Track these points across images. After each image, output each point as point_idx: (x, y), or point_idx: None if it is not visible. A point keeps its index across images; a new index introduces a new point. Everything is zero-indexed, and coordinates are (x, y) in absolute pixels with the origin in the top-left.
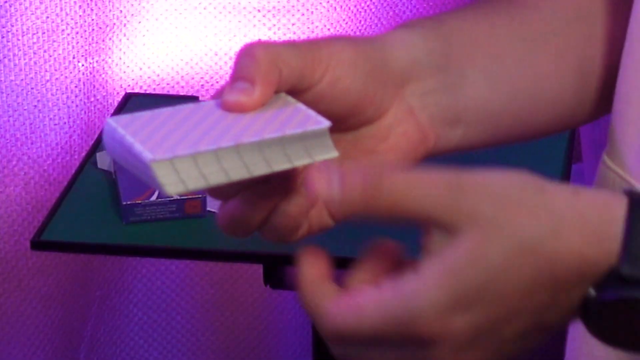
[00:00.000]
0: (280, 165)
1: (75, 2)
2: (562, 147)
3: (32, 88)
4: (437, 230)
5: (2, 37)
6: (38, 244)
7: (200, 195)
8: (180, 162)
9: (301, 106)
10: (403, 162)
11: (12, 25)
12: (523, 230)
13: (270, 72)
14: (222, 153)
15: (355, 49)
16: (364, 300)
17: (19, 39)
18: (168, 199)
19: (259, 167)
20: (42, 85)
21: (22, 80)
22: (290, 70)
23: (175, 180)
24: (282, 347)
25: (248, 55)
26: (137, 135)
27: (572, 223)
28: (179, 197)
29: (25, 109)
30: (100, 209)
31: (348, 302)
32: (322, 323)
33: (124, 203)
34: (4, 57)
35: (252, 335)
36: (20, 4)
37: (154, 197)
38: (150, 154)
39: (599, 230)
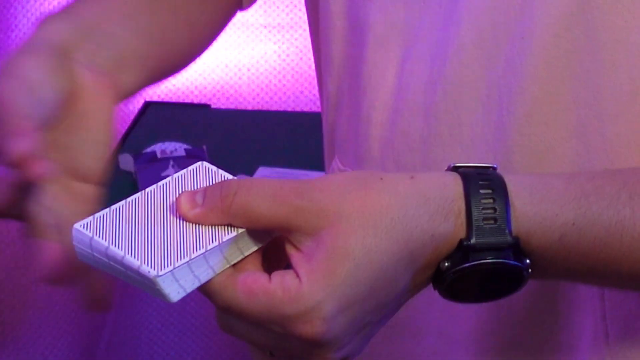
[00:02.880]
0: (250, 250)
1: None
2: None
3: None
4: (297, 236)
5: None
6: None
7: None
8: (179, 271)
9: (223, 172)
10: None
11: None
12: (373, 215)
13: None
14: (208, 254)
15: (35, 55)
16: (255, 286)
17: None
18: None
19: (235, 256)
20: None
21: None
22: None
23: (176, 288)
24: None
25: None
26: (117, 244)
27: (417, 203)
28: None
29: None
30: None
31: (242, 283)
32: (214, 297)
33: None
34: None
35: None
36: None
37: None
38: (154, 270)
39: (443, 208)
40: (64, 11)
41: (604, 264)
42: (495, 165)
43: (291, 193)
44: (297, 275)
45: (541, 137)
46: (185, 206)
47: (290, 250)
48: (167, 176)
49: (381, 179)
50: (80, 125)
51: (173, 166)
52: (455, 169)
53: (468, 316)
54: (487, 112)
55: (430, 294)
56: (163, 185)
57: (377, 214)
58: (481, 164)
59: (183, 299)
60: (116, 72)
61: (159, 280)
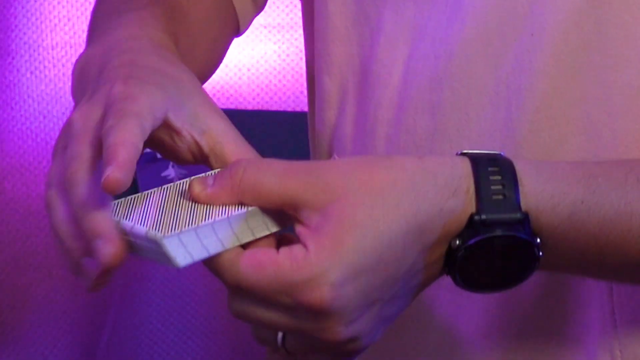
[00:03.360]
0: (261, 232)
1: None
2: None
3: (60, 97)
4: (305, 213)
5: (34, 51)
6: None
7: None
8: (186, 236)
9: None
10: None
11: (43, 40)
12: (381, 189)
13: None
14: (217, 225)
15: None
16: (263, 259)
17: (48, 53)
18: None
19: (246, 236)
20: (69, 94)
21: (51, 89)
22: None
23: (183, 252)
24: None
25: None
26: (128, 217)
27: (424, 179)
28: None
29: (54, 116)
30: None
31: (250, 257)
32: (224, 272)
33: None
34: (35, 69)
35: None
36: (50, 21)
37: None
38: (160, 232)
39: (452, 184)
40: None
41: (614, 246)
42: (502, 153)
43: (300, 170)
44: (305, 246)
45: (550, 133)
46: (196, 187)
47: (299, 227)
48: (167, 176)
49: (389, 158)
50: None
51: (173, 166)
52: (463, 154)
53: (475, 311)
54: (495, 109)
55: (437, 287)
56: (179, 183)
57: (385, 188)
58: (489, 151)
59: (183, 299)
60: None
61: (165, 242)
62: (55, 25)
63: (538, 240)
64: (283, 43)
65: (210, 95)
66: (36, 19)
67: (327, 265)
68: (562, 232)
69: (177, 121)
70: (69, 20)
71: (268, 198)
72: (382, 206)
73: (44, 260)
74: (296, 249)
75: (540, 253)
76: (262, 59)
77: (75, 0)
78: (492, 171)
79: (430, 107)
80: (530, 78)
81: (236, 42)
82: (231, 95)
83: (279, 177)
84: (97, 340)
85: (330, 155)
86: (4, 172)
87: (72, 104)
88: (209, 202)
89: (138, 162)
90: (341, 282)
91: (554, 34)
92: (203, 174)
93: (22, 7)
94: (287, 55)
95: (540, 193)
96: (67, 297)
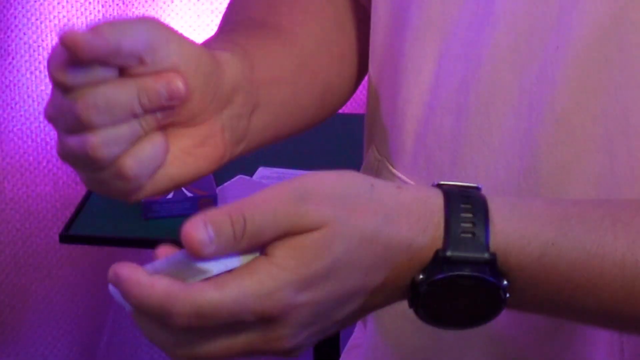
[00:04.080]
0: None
1: (99, 20)
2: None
3: None
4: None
5: (34, 51)
6: (66, 238)
7: (212, 194)
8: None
9: None
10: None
11: (43, 40)
12: (362, 224)
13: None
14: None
15: (203, 49)
16: (225, 280)
17: (48, 53)
18: (183, 197)
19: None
20: None
21: (51, 89)
22: (135, 41)
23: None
24: None
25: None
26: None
27: (399, 213)
28: (193, 196)
29: None
30: (122, 206)
31: (211, 281)
32: (179, 305)
33: (144, 200)
34: (35, 69)
35: None
36: (50, 22)
37: (170, 196)
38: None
39: (423, 219)
40: (237, 44)
41: (586, 289)
42: (480, 186)
43: (291, 202)
44: (271, 255)
45: (568, 147)
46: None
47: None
48: None
49: (372, 185)
50: (187, 146)
51: None
52: (439, 186)
53: (482, 340)
54: (517, 118)
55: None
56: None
57: (366, 223)
58: (466, 184)
59: None
60: (236, 143)
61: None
62: (55, 25)
63: (505, 282)
64: None
65: None
66: (36, 19)
67: (291, 266)
68: (531, 274)
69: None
70: (68, 20)
71: (264, 238)
72: (359, 245)
73: (44, 260)
74: (258, 262)
75: (507, 295)
76: None
77: (75, 0)
78: (464, 208)
79: (456, 109)
80: (552, 91)
81: None
82: None
83: (275, 224)
84: (97, 340)
85: (370, 144)
86: (4, 172)
87: None
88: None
89: None
90: (303, 289)
91: (578, 49)
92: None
93: (22, 7)
94: None
95: (511, 233)
96: (67, 297)
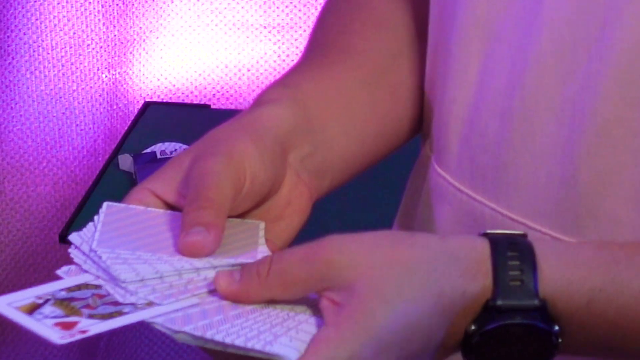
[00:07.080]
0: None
1: (99, 20)
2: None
3: (60, 97)
4: (331, 291)
5: (34, 51)
6: (66, 238)
7: None
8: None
9: (262, 248)
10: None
11: (43, 40)
12: (406, 267)
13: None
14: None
15: (255, 144)
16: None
17: (48, 53)
18: None
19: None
20: (69, 94)
21: (51, 90)
22: (236, 191)
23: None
24: None
25: (201, 184)
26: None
27: (447, 261)
28: None
29: (54, 116)
30: None
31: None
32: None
33: None
34: (35, 69)
35: None
36: (50, 22)
37: None
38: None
39: (472, 267)
40: (287, 87)
41: (636, 333)
42: (526, 234)
43: (322, 249)
44: (333, 325)
45: (608, 159)
46: (223, 283)
47: (324, 303)
48: None
49: (412, 235)
50: (276, 214)
51: None
52: (485, 235)
53: None
54: (560, 126)
55: None
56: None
57: (410, 266)
58: (512, 232)
59: None
60: (320, 177)
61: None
62: (55, 25)
63: (556, 327)
64: (283, 43)
65: (211, 96)
66: (36, 19)
67: (361, 340)
68: (580, 319)
69: None
70: (68, 20)
71: (295, 288)
72: (409, 284)
73: (44, 260)
74: (320, 333)
75: (559, 340)
76: (262, 59)
77: (75, 0)
78: (511, 256)
79: (501, 112)
80: (594, 102)
81: (236, 42)
82: (231, 95)
83: (302, 263)
84: (97, 340)
85: (424, 141)
86: (4, 172)
87: (72, 103)
88: (236, 300)
89: (138, 163)
90: (372, 357)
91: (621, 62)
92: (228, 267)
93: (22, 7)
94: (287, 56)
95: (559, 280)
96: None
